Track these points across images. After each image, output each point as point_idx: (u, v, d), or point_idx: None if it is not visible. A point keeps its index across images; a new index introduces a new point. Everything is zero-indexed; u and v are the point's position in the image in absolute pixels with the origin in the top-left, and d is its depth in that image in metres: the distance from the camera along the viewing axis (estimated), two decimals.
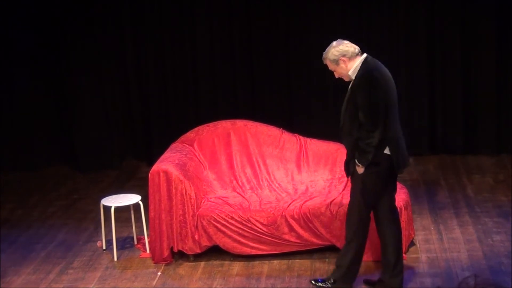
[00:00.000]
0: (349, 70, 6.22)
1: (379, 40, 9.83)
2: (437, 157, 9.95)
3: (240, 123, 7.95)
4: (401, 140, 6.30)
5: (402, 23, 9.82)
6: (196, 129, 7.95)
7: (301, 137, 7.91)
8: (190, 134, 7.92)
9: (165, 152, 7.63)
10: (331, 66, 6.31)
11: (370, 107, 6.07)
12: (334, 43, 6.31)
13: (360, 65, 6.19)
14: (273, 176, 7.76)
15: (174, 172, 7.15)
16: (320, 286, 6.61)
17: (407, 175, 9.33)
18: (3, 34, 10.01)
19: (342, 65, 6.22)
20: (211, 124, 7.95)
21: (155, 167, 7.22)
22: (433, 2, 9.76)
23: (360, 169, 6.19)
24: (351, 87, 6.25)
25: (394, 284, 6.40)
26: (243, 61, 10.05)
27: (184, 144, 7.81)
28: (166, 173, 7.14)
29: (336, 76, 6.37)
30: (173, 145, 7.83)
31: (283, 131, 7.91)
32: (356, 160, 6.19)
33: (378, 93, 6.09)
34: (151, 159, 9.32)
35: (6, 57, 10.10)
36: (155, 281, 6.97)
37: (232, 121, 7.98)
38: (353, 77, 6.20)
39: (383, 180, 6.29)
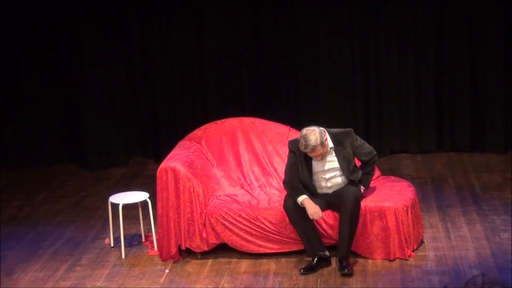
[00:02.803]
0: (328, 144, 6.88)
1: (386, 39, 9.81)
2: (445, 155, 9.93)
3: (247, 120, 7.94)
4: None
5: (410, 22, 9.79)
6: (203, 126, 7.94)
7: None
8: (197, 132, 7.91)
9: (173, 150, 7.63)
10: (319, 150, 6.81)
11: (362, 141, 7.06)
12: (309, 132, 6.76)
13: (327, 134, 6.89)
14: (282, 174, 7.73)
15: (182, 169, 7.15)
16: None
17: (415, 173, 9.33)
18: (9, 33, 10.02)
19: (326, 142, 6.85)
20: (218, 122, 7.94)
21: (162, 165, 7.22)
22: (441, 1, 9.73)
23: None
24: (339, 151, 6.94)
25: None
26: (251, 58, 10.03)
27: (192, 142, 7.81)
28: (174, 170, 7.14)
29: (319, 158, 6.88)
30: (181, 143, 7.82)
31: (291, 128, 7.89)
32: (365, 186, 7.09)
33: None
34: (159, 157, 9.33)
35: (13, 55, 10.10)
36: (162, 279, 6.97)
37: (239, 118, 7.97)
38: (332, 145, 6.93)
39: None
